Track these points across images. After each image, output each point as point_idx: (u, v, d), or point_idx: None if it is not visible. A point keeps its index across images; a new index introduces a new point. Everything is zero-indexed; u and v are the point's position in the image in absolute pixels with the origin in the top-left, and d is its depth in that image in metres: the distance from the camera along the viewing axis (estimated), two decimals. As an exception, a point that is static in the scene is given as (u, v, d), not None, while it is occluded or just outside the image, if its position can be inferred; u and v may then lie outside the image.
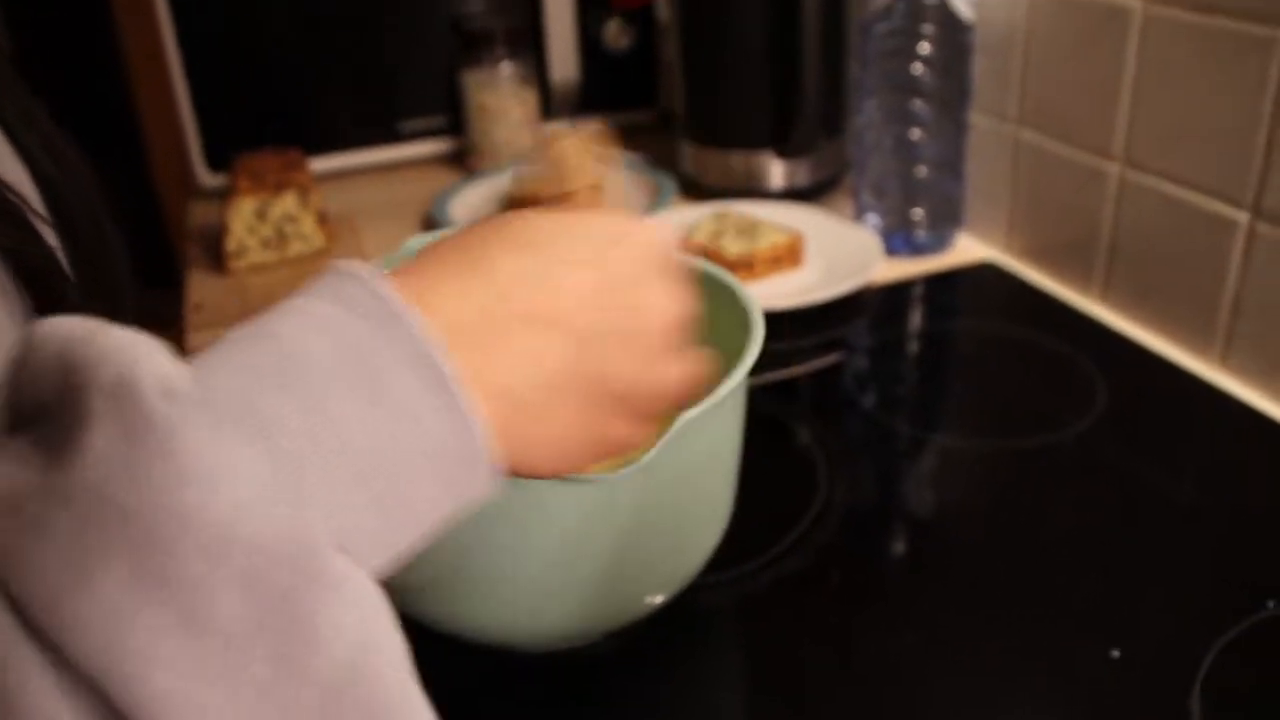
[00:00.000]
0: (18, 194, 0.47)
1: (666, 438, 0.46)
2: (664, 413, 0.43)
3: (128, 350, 0.30)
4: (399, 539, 0.33)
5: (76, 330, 0.31)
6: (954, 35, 0.95)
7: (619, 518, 0.50)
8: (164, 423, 0.28)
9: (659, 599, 0.57)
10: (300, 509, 0.29)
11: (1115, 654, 0.56)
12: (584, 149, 0.43)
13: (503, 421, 0.36)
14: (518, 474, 0.38)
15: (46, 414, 0.30)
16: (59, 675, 0.26)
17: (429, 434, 0.33)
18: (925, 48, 0.95)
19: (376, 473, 0.32)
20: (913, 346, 0.92)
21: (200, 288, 1.07)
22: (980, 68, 0.99)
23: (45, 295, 0.49)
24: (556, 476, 0.41)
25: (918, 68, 0.96)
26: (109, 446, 0.28)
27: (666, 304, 0.41)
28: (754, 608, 0.62)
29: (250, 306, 1.01)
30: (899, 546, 0.67)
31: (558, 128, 1.34)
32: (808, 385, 0.85)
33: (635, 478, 0.47)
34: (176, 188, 1.65)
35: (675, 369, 0.42)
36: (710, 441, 0.53)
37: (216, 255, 1.11)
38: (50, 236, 0.49)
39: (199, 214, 1.26)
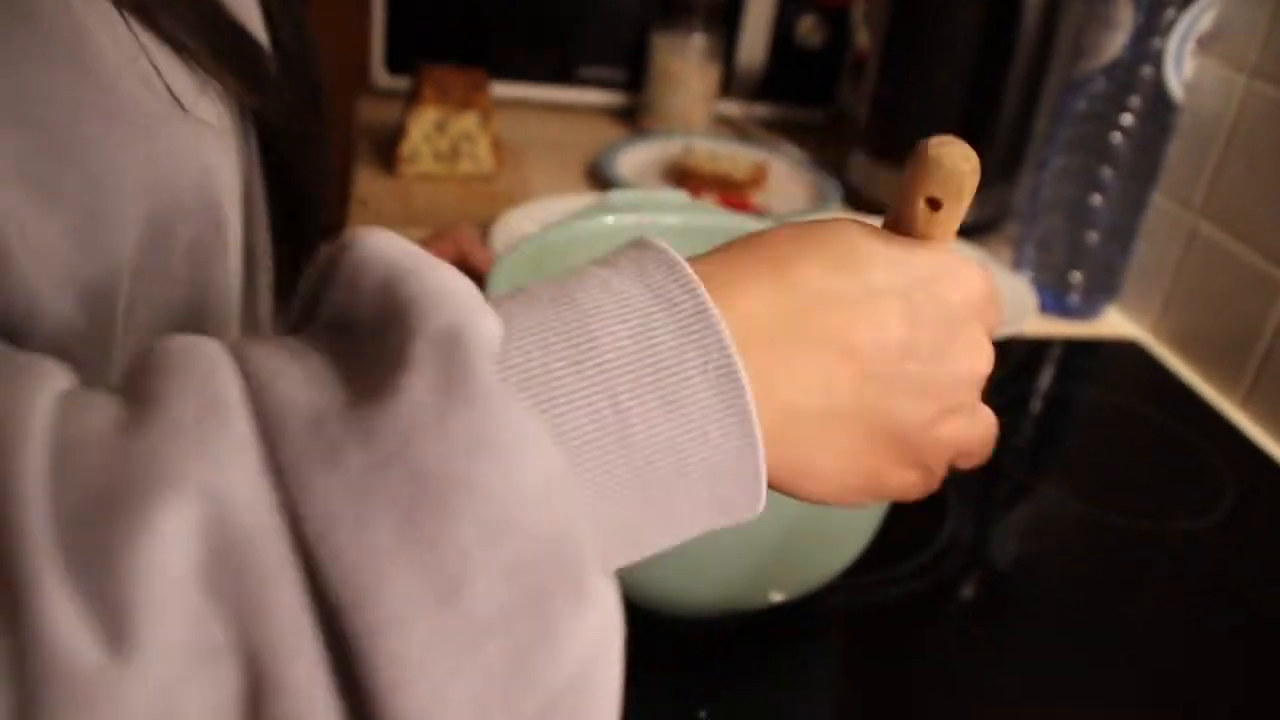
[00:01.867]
0: (253, 38, 0.48)
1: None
2: (945, 466, 0.41)
3: (459, 298, 0.29)
4: (651, 543, 0.33)
5: (404, 260, 0.30)
6: (1160, 113, 0.95)
7: (786, 511, 0.52)
8: (486, 388, 0.27)
9: (781, 597, 0.59)
10: (578, 515, 0.28)
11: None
12: (966, 159, 0.38)
13: (778, 436, 0.35)
14: (785, 492, 0.37)
15: (358, 334, 0.30)
16: (312, 601, 0.26)
17: (714, 451, 0.32)
18: (1127, 119, 0.95)
19: (651, 477, 0.32)
20: (1047, 405, 0.92)
21: (367, 184, 1.10)
22: (1175, 150, 0.99)
23: (270, 143, 0.50)
24: (825, 504, 0.39)
25: (1115, 136, 0.96)
26: (425, 398, 0.27)
27: (972, 356, 0.39)
28: (868, 620, 0.64)
29: (413, 211, 1.05)
30: (1012, 594, 0.69)
31: (731, 110, 1.36)
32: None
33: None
34: (339, 80, 1.67)
35: (963, 424, 0.40)
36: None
37: (386, 155, 1.14)
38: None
39: (368, 111, 1.29)
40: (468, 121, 1.10)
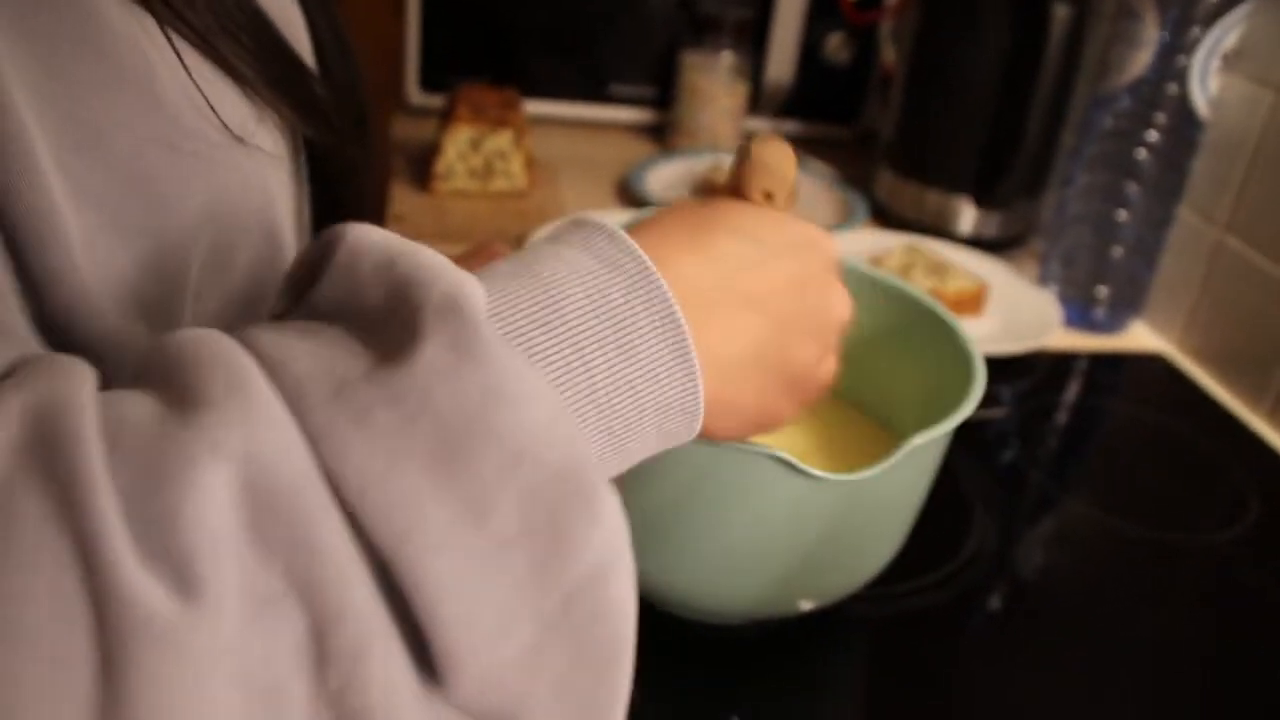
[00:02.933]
0: (306, 67, 0.50)
1: (898, 455, 0.49)
2: (815, 401, 0.48)
3: (449, 270, 0.33)
4: (609, 472, 0.38)
5: (393, 245, 0.34)
6: (1185, 129, 0.96)
7: (820, 519, 0.54)
8: (489, 343, 0.31)
9: (809, 605, 0.60)
10: (582, 443, 0.32)
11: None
12: (785, 155, 0.47)
13: (707, 378, 0.40)
14: (704, 435, 0.42)
15: (363, 314, 0.33)
16: (357, 546, 0.29)
17: (664, 391, 0.38)
18: (1153, 135, 0.96)
19: (612, 416, 0.37)
20: (1073, 418, 0.93)
21: (402, 200, 1.12)
22: (1200, 166, 1.00)
23: (318, 167, 0.52)
24: (727, 441, 0.46)
25: (1141, 153, 0.97)
26: (439, 358, 0.31)
27: (842, 306, 0.47)
28: (895, 628, 0.66)
29: (448, 227, 1.07)
30: (1036, 605, 0.70)
31: (759, 128, 1.38)
32: (965, 432, 0.87)
33: (849, 486, 0.50)
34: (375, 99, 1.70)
35: (832, 361, 0.48)
36: (918, 470, 0.56)
37: (420, 172, 1.16)
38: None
39: (402, 129, 1.31)
40: (501, 139, 1.12)
